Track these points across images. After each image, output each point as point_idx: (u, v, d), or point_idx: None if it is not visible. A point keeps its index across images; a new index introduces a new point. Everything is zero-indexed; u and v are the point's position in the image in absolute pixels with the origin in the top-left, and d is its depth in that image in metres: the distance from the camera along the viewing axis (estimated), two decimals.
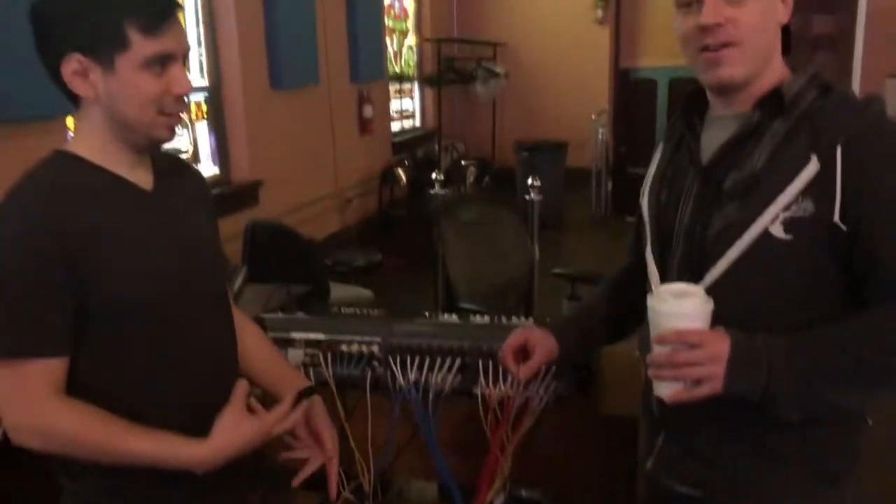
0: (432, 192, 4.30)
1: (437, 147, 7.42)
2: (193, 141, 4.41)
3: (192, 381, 1.25)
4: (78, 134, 1.20)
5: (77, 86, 1.13)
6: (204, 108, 4.49)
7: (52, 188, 1.13)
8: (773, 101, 1.17)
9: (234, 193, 4.53)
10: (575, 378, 1.58)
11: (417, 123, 8.21)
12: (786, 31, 1.22)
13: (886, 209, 1.10)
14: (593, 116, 7.65)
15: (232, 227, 4.08)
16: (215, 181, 4.54)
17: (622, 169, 8.35)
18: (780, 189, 1.12)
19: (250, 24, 4.59)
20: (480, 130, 8.61)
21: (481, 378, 1.59)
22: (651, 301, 1.14)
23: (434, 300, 3.76)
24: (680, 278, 1.20)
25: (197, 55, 4.41)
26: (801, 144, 1.13)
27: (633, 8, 8.45)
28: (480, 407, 1.56)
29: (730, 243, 1.15)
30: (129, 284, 1.15)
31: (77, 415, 1.12)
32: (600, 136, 7.53)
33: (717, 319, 1.13)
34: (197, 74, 4.42)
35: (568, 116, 8.22)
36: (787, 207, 1.11)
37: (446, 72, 7.45)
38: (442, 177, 4.20)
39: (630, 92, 8.70)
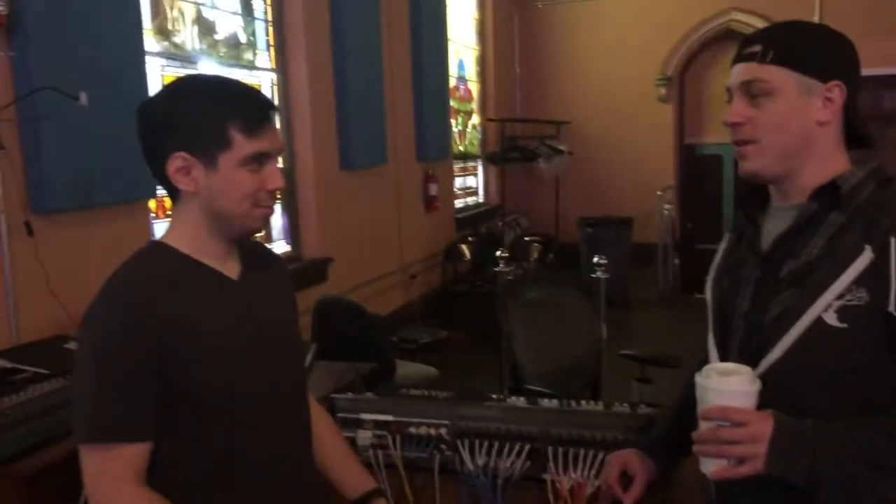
0: (496, 268, 4.33)
1: (500, 223, 7.49)
2: (267, 220, 4.56)
3: (269, 468, 1.27)
4: (174, 225, 1.28)
5: (179, 181, 1.20)
6: None
7: (147, 280, 1.19)
8: (829, 193, 1.21)
9: (304, 270, 4.64)
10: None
11: (481, 199, 8.32)
12: (850, 127, 1.25)
13: None
14: (659, 192, 7.64)
15: (302, 303, 4.15)
16: (287, 258, 4.67)
17: (689, 245, 8.26)
18: (834, 277, 1.14)
19: (323, 109, 4.79)
20: (544, 206, 8.67)
21: (550, 464, 1.57)
22: (698, 378, 1.17)
23: (499, 380, 3.73)
24: (738, 363, 1.22)
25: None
26: (856, 235, 1.16)
27: (696, 85, 8.51)
28: (550, 494, 1.54)
29: (785, 329, 1.18)
30: (215, 373, 1.19)
31: None
32: (666, 212, 7.49)
33: (772, 404, 1.14)
34: None
35: (632, 192, 8.22)
36: (840, 296, 1.14)
37: (510, 150, 7.58)
38: (506, 253, 4.23)
39: (695, 168, 8.68)
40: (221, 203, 1.21)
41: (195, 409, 1.19)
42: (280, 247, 4.66)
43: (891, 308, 1.11)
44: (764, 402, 1.15)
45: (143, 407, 1.15)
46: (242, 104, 1.21)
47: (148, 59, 3.32)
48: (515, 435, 1.61)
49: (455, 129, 7.50)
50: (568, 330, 3.40)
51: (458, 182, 7.60)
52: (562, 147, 8.09)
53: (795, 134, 1.22)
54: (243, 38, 4.36)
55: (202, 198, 1.22)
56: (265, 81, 4.54)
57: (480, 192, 8.36)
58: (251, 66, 4.43)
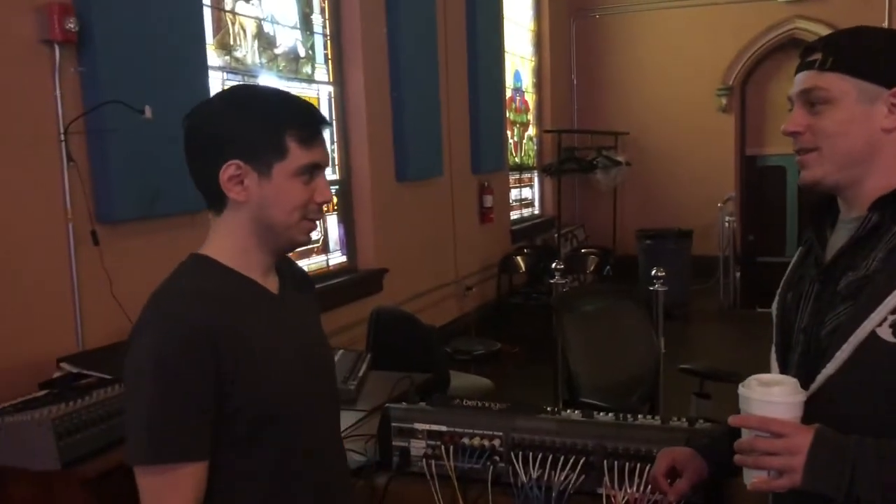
0: (552, 280, 4.29)
1: (556, 235, 7.44)
2: (324, 231, 4.62)
3: (317, 481, 1.28)
4: (217, 237, 1.26)
5: (231, 189, 1.20)
6: (335, 200, 4.72)
7: (200, 294, 1.19)
8: (893, 203, 1.17)
9: (360, 280, 4.68)
10: (705, 484, 1.50)
11: (537, 211, 8.28)
12: None
13: None
14: (719, 204, 7.47)
15: (357, 313, 4.21)
16: (343, 269, 4.72)
17: (751, 258, 8.06)
18: (889, 291, 1.10)
19: (379, 121, 4.84)
20: (601, 218, 8.58)
21: (606, 478, 1.54)
22: (741, 388, 1.16)
23: (554, 393, 3.69)
24: (797, 377, 1.19)
25: (330, 151, 4.67)
26: None
27: (758, 95, 8.33)
28: None
29: (839, 344, 1.15)
30: (265, 388, 1.19)
31: None
32: (727, 224, 7.33)
33: (828, 420, 1.11)
34: (329, 169, 4.67)
35: (692, 204, 8.07)
36: (895, 311, 1.09)
37: (566, 161, 7.52)
38: (562, 265, 4.19)
39: (757, 179, 8.48)
40: (272, 213, 1.21)
41: (251, 425, 1.18)
42: (336, 258, 4.72)
43: None
44: (819, 418, 1.12)
45: (203, 424, 1.14)
46: (299, 114, 1.22)
47: (210, 72, 3.41)
48: (570, 448, 1.58)
49: (511, 141, 7.49)
50: (625, 343, 3.34)
51: (514, 194, 7.58)
52: (620, 158, 8.00)
53: (858, 141, 1.19)
54: (302, 52, 4.43)
55: (252, 208, 1.21)
56: (323, 94, 4.61)
57: (536, 203, 8.32)
58: (309, 80, 4.50)
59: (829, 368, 1.15)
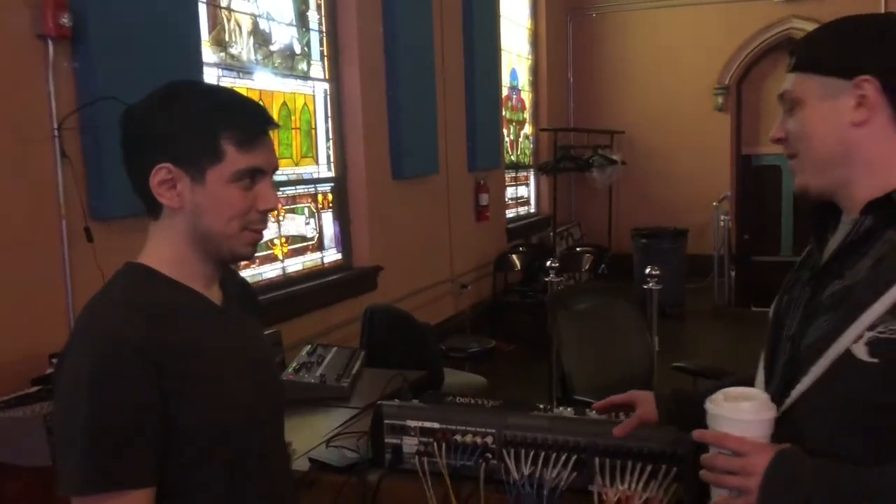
0: (547, 279, 4.30)
1: (551, 233, 7.44)
2: (319, 228, 4.62)
3: (272, 499, 1.24)
4: (154, 244, 1.17)
5: (162, 194, 1.11)
6: (330, 197, 4.72)
7: (139, 308, 1.09)
8: (883, 206, 1.08)
9: (354, 278, 4.68)
10: (697, 482, 1.50)
11: (532, 209, 8.28)
12: None
13: None
14: (715, 203, 7.49)
15: (351, 311, 4.22)
16: (338, 266, 4.72)
17: (746, 257, 8.07)
18: (868, 305, 1.03)
19: (375, 118, 4.84)
20: (596, 217, 8.59)
21: (598, 476, 1.54)
22: (707, 403, 1.12)
23: (548, 391, 3.70)
24: (780, 386, 1.15)
25: (325, 148, 4.67)
26: None
27: (754, 94, 8.34)
28: None
29: (815, 359, 1.08)
30: (214, 406, 1.11)
31: None
32: (722, 223, 7.34)
33: (798, 437, 1.07)
34: (324, 166, 4.67)
35: (687, 203, 8.09)
36: (872, 327, 1.02)
37: (562, 160, 7.53)
38: (557, 264, 4.20)
39: (753, 178, 8.50)
40: (207, 222, 1.12)
41: (200, 444, 1.10)
42: (331, 255, 4.71)
43: None
44: (791, 434, 1.09)
45: (149, 447, 1.05)
46: (237, 115, 1.13)
47: (205, 69, 3.41)
48: (562, 445, 1.58)
49: (507, 139, 7.49)
50: (619, 341, 3.35)
51: (510, 192, 7.58)
52: (615, 157, 8.00)
53: (829, 141, 1.12)
54: (298, 49, 4.43)
55: (186, 215, 1.12)
56: (319, 91, 4.61)
57: (532, 202, 8.32)
58: (305, 77, 4.50)
59: (804, 384, 1.10)
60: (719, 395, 1.12)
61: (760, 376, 1.24)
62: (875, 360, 1.01)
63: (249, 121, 1.14)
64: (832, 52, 1.13)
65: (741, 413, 1.09)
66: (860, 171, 1.12)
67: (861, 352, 1.03)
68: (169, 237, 1.15)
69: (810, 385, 1.09)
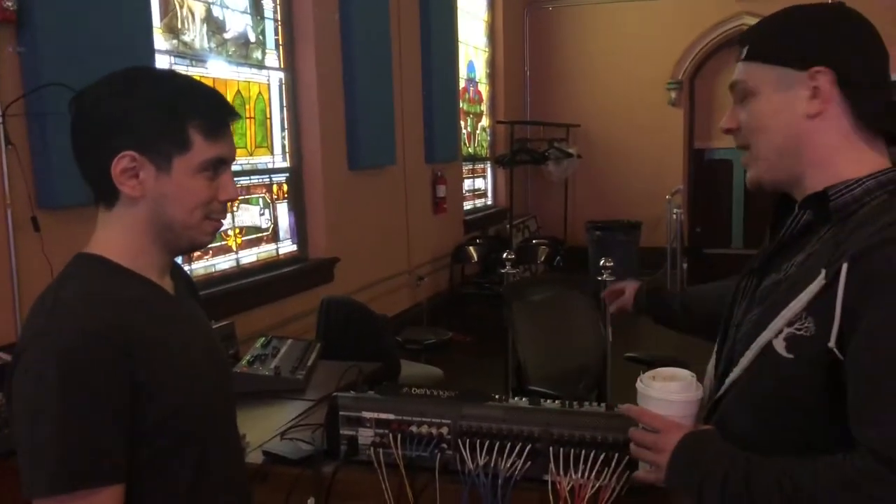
0: (503, 270, 4.32)
1: (508, 226, 7.48)
2: (273, 219, 4.57)
3: (232, 489, 1.25)
4: (107, 234, 1.14)
5: (124, 183, 1.08)
6: (285, 188, 4.67)
7: (103, 298, 1.06)
8: (818, 202, 1.08)
9: (310, 270, 4.64)
10: None
11: (489, 202, 8.31)
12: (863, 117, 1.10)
13: (878, 341, 0.94)
14: (668, 196, 7.61)
15: (308, 303, 4.18)
16: (293, 257, 4.67)
17: (698, 249, 8.22)
18: (787, 302, 1.04)
19: (331, 108, 4.80)
20: (552, 209, 8.66)
21: (552, 465, 1.56)
22: (637, 382, 1.19)
23: (504, 382, 3.72)
24: (722, 373, 1.20)
25: (280, 138, 4.62)
26: (823, 255, 1.03)
27: (706, 89, 8.48)
28: (551, 495, 1.53)
29: (743, 350, 1.12)
30: (183, 396, 1.10)
31: None
32: (675, 216, 7.46)
33: (726, 423, 1.12)
34: (279, 156, 4.62)
35: (641, 196, 8.20)
36: (790, 323, 1.03)
37: (519, 152, 7.57)
38: (513, 255, 4.22)
39: (705, 172, 8.65)
40: (171, 211, 1.10)
41: (171, 436, 1.09)
42: (286, 246, 4.67)
43: (832, 343, 0.97)
44: (718, 420, 1.14)
45: (120, 441, 1.03)
46: (206, 104, 1.11)
47: (157, 57, 3.34)
48: (517, 435, 1.59)
49: (464, 131, 7.49)
50: (574, 332, 3.38)
51: (467, 184, 7.60)
52: (571, 150, 8.07)
53: (782, 133, 1.10)
54: (252, 37, 4.36)
55: (148, 204, 1.10)
56: (274, 80, 4.55)
57: (489, 194, 8.36)
58: (260, 65, 4.44)
59: (735, 372, 1.13)
60: (650, 375, 1.18)
61: (712, 361, 1.28)
62: (790, 357, 1.03)
63: (217, 110, 1.13)
64: (786, 41, 1.09)
65: (666, 393, 1.15)
66: (811, 164, 1.10)
67: (780, 346, 1.04)
68: (124, 226, 1.12)
69: (738, 374, 1.13)
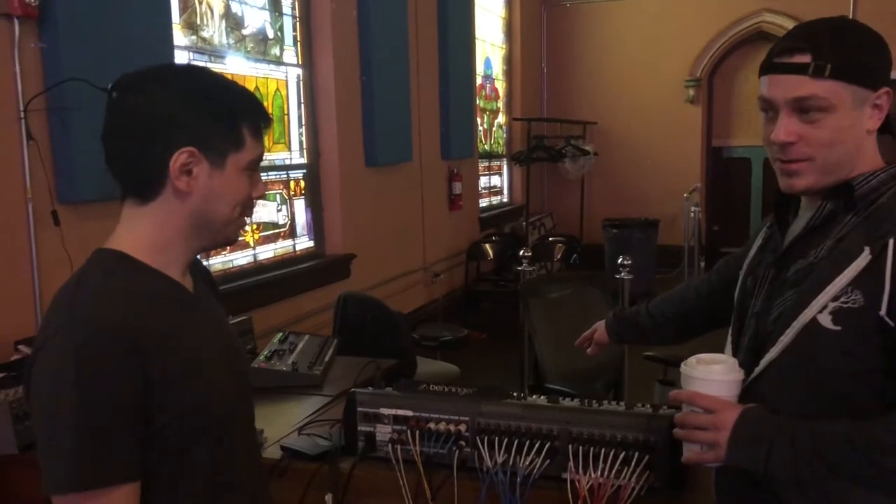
0: (519, 268, 4.31)
1: (524, 223, 7.46)
2: (291, 215, 4.58)
3: (250, 488, 1.24)
4: (135, 229, 1.14)
5: (180, 178, 1.10)
6: (302, 184, 4.68)
7: (123, 295, 1.07)
8: (844, 193, 1.18)
9: (327, 266, 4.65)
10: (669, 469, 1.52)
11: (505, 199, 8.29)
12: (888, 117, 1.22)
13: None
14: (685, 195, 7.56)
15: (324, 299, 4.19)
16: (310, 254, 4.69)
17: (715, 248, 8.17)
18: (831, 279, 1.13)
19: (348, 105, 4.80)
20: (569, 207, 8.63)
21: (570, 463, 1.55)
22: (682, 366, 1.22)
23: (520, 379, 3.71)
24: (745, 360, 1.25)
25: (297, 135, 4.63)
26: (860, 236, 1.14)
27: (725, 88, 8.41)
28: (570, 493, 1.52)
29: (783, 329, 1.18)
30: (197, 395, 1.10)
31: None
32: (692, 215, 7.41)
33: (767, 401, 1.17)
34: (297, 152, 4.63)
35: (658, 194, 8.15)
36: (836, 298, 1.12)
37: (535, 149, 7.54)
38: (529, 253, 4.21)
39: (723, 170, 8.58)
40: (217, 207, 1.13)
41: (183, 435, 1.09)
42: (303, 242, 4.68)
43: (882, 312, 1.08)
44: (761, 400, 1.18)
45: (135, 440, 1.03)
46: (253, 105, 1.17)
47: (176, 52, 3.35)
48: (535, 433, 1.59)
49: (481, 128, 7.48)
50: None
51: (483, 181, 7.59)
52: (588, 147, 8.04)
53: (851, 146, 1.18)
54: (270, 34, 4.37)
55: (194, 200, 1.11)
56: (292, 77, 4.56)
57: (505, 191, 8.34)
58: (278, 62, 4.45)
59: (773, 353, 1.18)
60: (693, 360, 1.21)
61: (728, 351, 1.33)
62: (838, 328, 1.11)
63: (262, 111, 1.18)
64: (863, 62, 1.16)
65: (712, 374, 1.19)
66: (857, 170, 1.19)
67: (826, 320, 1.12)
68: (156, 221, 1.13)
69: (778, 353, 1.18)
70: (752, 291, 1.31)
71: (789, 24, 7.35)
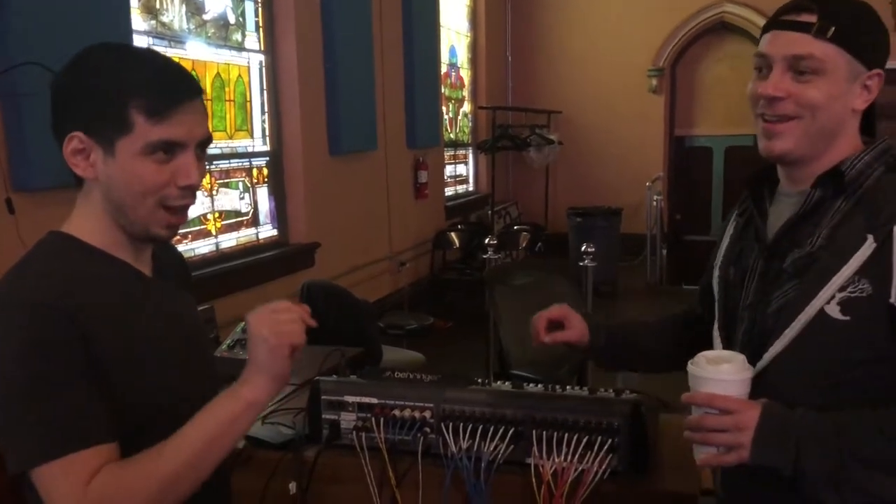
0: (485, 256, 4.32)
1: (490, 212, 7.48)
2: (254, 203, 4.53)
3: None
4: (78, 214, 1.13)
5: (77, 164, 1.07)
6: (265, 172, 4.63)
7: (61, 275, 1.05)
8: (834, 179, 1.17)
9: (291, 255, 4.62)
10: (632, 453, 1.54)
11: (471, 188, 8.30)
12: (870, 112, 1.22)
13: None
14: (648, 183, 7.64)
15: (288, 288, 4.16)
16: (273, 242, 4.64)
17: (678, 236, 8.28)
18: (837, 268, 1.11)
19: (312, 92, 4.75)
20: (534, 196, 8.67)
21: (534, 448, 1.56)
22: (689, 365, 1.16)
23: (486, 366, 3.73)
24: (743, 353, 1.19)
25: (260, 122, 4.57)
26: (859, 223, 1.12)
27: (687, 77, 8.51)
28: (534, 478, 1.53)
29: (787, 322, 1.16)
30: (149, 376, 1.08)
31: (137, 464, 1.02)
32: (655, 203, 7.50)
33: (773, 396, 1.13)
34: (259, 140, 4.57)
35: (622, 183, 8.23)
36: (842, 288, 1.11)
37: (500, 138, 7.56)
38: (495, 241, 4.23)
39: (685, 159, 8.69)
40: (121, 196, 1.07)
41: (136, 417, 1.07)
42: (266, 231, 4.63)
43: (892, 299, 1.07)
44: (765, 395, 1.14)
45: (96, 405, 1.01)
46: (148, 81, 1.05)
47: (135, 37, 3.28)
48: (500, 419, 1.59)
49: (446, 117, 7.47)
50: None
51: (449, 170, 7.58)
52: (552, 136, 8.07)
53: (833, 117, 1.17)
54: (232, 19, 4.31)
55: (102, 187, 1.08)
56: (254, 63, 4.50)
57: (471, 180, 8.34)
58: (240, 47, 4.38)
59: (777, 346, 1.16)
60: (701, 358, 1.16)
61: (718, 347, 1.28)
62: (847, 318, 1.10)
63: (162, 89, 1.05)
64: (866, 37, 1.16)
65: (724, 374, 1.13)
66: (834, 149, 1.19)
67: (834, 311, 1.11)
68: (91, 207, 1.11)
69: (784, 347, 1.16)
70: (741, 283, 1.27)
71: (751, 16, 7.48)
